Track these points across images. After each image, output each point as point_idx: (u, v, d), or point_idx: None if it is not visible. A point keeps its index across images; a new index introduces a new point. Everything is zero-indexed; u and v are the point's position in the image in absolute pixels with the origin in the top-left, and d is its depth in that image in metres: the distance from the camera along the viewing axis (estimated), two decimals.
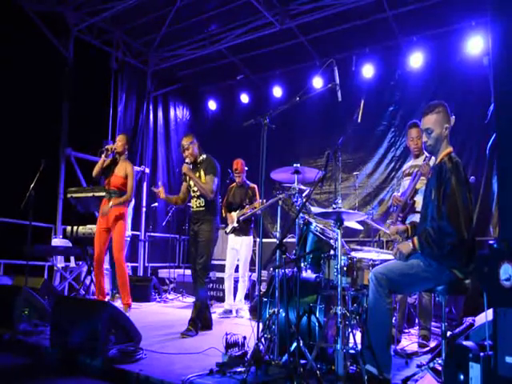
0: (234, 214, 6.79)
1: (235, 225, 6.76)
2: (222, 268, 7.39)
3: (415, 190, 4.50)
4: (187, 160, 5.36)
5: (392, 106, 9.20)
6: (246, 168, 7.01)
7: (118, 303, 6.26)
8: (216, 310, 6.94)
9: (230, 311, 6.76)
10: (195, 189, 5.40)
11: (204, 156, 5.50)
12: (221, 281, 7.73)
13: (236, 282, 7.00)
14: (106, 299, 6.17)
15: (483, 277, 2.19)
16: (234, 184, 7.08)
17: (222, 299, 7.56)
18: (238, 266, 6.93)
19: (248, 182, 7.04)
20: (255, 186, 6.98)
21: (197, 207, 5.43)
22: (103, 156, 6.07)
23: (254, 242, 7.55)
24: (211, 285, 7.95)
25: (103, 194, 6.15)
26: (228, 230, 6.87)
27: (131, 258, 9.94)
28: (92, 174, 6.11)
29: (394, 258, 3.42)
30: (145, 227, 10.39)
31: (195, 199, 5.45)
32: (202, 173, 5.39)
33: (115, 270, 6.13)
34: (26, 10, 8.16)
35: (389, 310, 3.24)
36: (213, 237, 5.37)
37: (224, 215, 6.98)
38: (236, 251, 6.86)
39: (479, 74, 7.71)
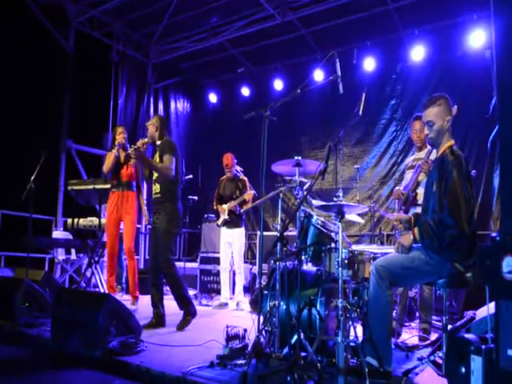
0: (225, 206, 6.80)
1: (226, 217, 6.77)
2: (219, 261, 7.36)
3: (417, 183, 4.49)
4: (138, 143, 5.05)
5: (394, 99, 9.18)
6: (235, 160, 6.99)
7: (118, 295, 6.27)
8: (211, 304, 6.98)
9: (226, 304, 6.78)
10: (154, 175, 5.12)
11: (159, 141, 5.23)
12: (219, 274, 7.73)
13: (233, 274, 7.03)
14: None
15: (485, 270, 2.18)
16: (225, 177, 7.05)
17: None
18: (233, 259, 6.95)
19: (238, 174, 7.04)
20: (245, 178, 7.00)
21: (154, 194, 5.12)
22: (114, 151, 6.06)
23: (246, 233, 7.54)
24: (212, 278, 7.94)
25: (104, 186, 6.14)
26: (219, 222, 6.88)
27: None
28: (92, 166, 6.12)
29: (396, 252, 3.42)
30: None
31: (153, 185, 5.13)
32: (157, 155, 5.12)
33: (127, 262, 6.15)
34: (26, 2, 8.11)
35: (389, 303, 3.25)
36: (170, 227, 4.98)
37: (215, 208, 6.99)
38: (229, 244, 6.87)
39: (481, 68, 7.67)
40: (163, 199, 5.05)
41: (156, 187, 5.10)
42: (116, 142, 6.16)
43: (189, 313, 5.02)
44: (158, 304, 5.06)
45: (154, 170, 5.05)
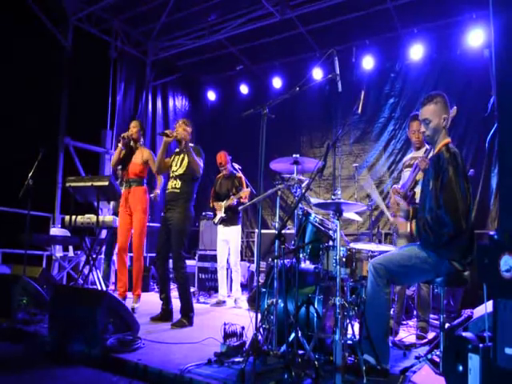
0: (222, 204, 6.78)
1: (223, 215, 6.76)
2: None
3: (415, 182, 4.49)
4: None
5: (392, 98, 9.16)
6: (230, 157, 6.96)
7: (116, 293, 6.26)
8: (209, 301, 6.99)
9: (224, 302, 6.79)
10: (175, 168, 5.20)
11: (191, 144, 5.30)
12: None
13: (230, 272, 7.04)
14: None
15: (483, 268, 2.18)
16: (221, 174, 7.04)
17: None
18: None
19: (234, 171, 7.02)
20: (242, 176, 6.97)
21: (172, 188, 5.17)
22: (120, 144, 6.01)
23: (244, 231, 7.49)
24: (209, 275, 7.95)
25: (103, 183, 6.09)
26: (216, 220, 6.87)
27: (130, 248, 9.91)
28: (91, 164, 6.10)
29: (392, 213, 3.48)
30: None
31: (172, 180, 5.20)
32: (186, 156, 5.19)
33: (133, 258, 6.11)
34: None
35: (387, 301, 3.25)
36: (184, 226, 5.08)
37: (212, 206, 6.99)
38: (226, 242, 6.86)
39: (479, 67, 7.68)
40: (180, 196, 5.13)
41: (176, 182, 5.16)
42: (125, 135, 6.08)
43: (186, 318, 4.98)
44: (165, 300, 5.21)
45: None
